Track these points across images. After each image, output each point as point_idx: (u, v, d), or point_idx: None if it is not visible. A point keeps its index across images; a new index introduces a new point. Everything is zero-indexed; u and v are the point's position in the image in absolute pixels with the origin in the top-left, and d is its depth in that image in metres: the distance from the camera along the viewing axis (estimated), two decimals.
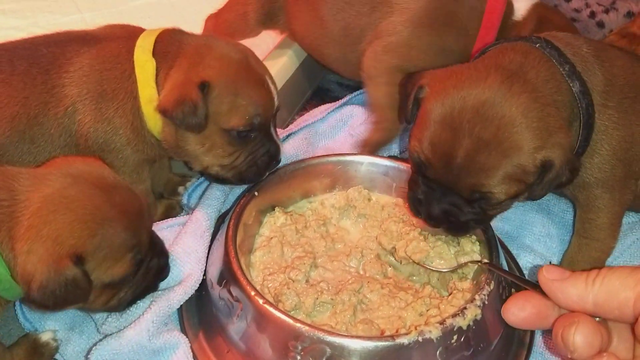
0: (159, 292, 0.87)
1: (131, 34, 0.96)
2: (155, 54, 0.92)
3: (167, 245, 0.95)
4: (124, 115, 0.93)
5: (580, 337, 0.52)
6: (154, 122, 0.93)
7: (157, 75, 0.92)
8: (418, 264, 0.90)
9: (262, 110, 0.92)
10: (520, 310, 0.61)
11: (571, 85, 0.88)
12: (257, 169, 0.96)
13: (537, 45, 0.90)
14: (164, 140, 0.95)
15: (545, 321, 0.61)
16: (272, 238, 0.95)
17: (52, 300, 0.73)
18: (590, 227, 0.98)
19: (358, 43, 1.22)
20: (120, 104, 0.93)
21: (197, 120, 0.89)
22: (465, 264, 0.89)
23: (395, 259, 0.94)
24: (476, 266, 0.89)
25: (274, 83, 0.97)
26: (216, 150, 0.94)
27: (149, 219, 0.83)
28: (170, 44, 0.93)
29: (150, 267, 0.84)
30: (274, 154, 0.97)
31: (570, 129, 0.87)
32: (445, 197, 0.87)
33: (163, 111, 0.89)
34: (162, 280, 0.89)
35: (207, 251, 0.94)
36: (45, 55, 0.94)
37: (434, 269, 0.89)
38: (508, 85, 0.83)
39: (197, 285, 0.90)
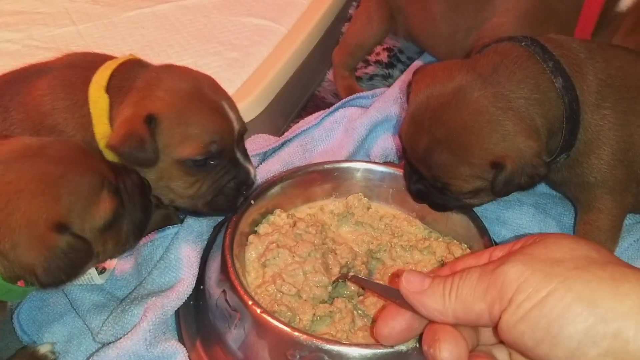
0: (153, 299, 0.87)
1: (91, 64, 0.94)
2: (109, 88, 0.90)
3: (160, 253, 0.96)
4: None
5: (445, 353, 0.53)
6: (112, 158, 0.91)
7: (111, 111, 0.90)
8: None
9: (218, 137, 0.90)
10: (391, 331, 0.60)
11: (554, 80, 0.89)
12: (226, 197, 0.94)
13: (523, 43, 0.92)
14: None
15: (415, 332, 0.60)
16: (267, 241, 0.95)
17: (63, 273, 0.74)
18: (591, 228, 0.98)
19: (465, 42, 1.30)
20: (71, 134, 0.91)
21: (145, 155, 0.86)
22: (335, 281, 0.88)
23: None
24: None
25: (234, 108, 0.94)
26: (176, 183, 0.91)
27: (94, 151, 0.83)
28: (125, 78, 0.91)
29: (130, 190, 0.84)
30: (244, 179, 0.95)
31: (538, 132, 0.88)
32: (419, 180, 0.97)
33: (111, 148, 0.87)
34: (150, 193, 0.88)
35: (199, 257, 0.94)
36: (6, 94, 0.93)
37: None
38: (469, 88, 0.88)
39: (190, 290, 0.90)
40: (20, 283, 0.75)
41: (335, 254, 0.92)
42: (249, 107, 1.26)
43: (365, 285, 0.84)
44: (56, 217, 0.73)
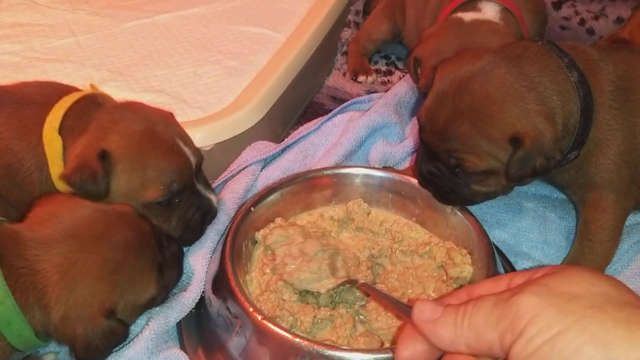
0: (157, 309, 0.88)
1: (47, 98, 0.94)
2: (63, 129, 0.91)
3: None
4: (31, 185, 0.93)
5: None
6: (64, 189, 0.91)
7: (65, 151, 0.91)
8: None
9: (177, 176, 0.91)
10: (413, 353, 0.58)
11: (570, 75, 0.92)
12: (193, 230, 0.97)
13: (539, 43, 0.95)
14: None
15: (439, 353, 0.58)
16: (266, 251, 0.95)
17: (100, 353, 0.79)
18: (594, 228, 0.99)
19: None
20: (27, 173, 0.92)
21: (96, 188, 0.87)
22: (340, 284, 0.87)
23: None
24: (470, 275, 0.90)
25: (188, 142, 0.95)
26: None
27: (147, 225, 0.85)
28: (78, 118, 0.92)
29: (170, 262, 0.88)
30: (207, 209, 0.97)
31: (555, 120, 0.90)
32: (432, 160, 0.96)
33: (63, 178, 0.88)
34: (183, 259, 0.93)
35: (206, 271, 0.94)
36: None
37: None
38: (496, 65, 0.91)
39: (194, 303, 0.90)
40: None
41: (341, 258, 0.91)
42: (248, 114, 1.26)
43: (376, 295, 0.82)
44: (109, 303, 0.78)
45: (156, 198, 0.91)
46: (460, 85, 0.91)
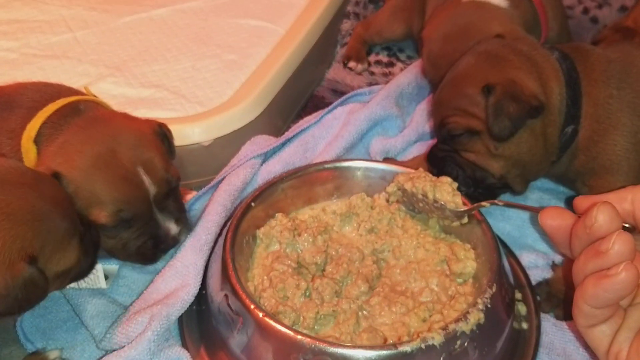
0: (158, 307, 0.87)
1: (34, 103, 0.94)
2: (40, 136, 0.91)
3: (168, 260, 0.96)
4: None
5: (602, 215, 0.57)
6: None
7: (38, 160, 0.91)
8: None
9: (126, 206, 0.88)
10: (558, 216, 0.64)
11: (551, 54, 1.00)
12: (142, 255, 0.94)
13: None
14: None
15: (567, 232, 0.64)
16: (269, 247, 0.95)
17: (17, 305, 0.74)
18: None
19: None
20: None
21: None
22: (479, 205, 0.90)
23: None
24: (474, 270, 0.89)
25: (152, 171, 0.90)
26: None
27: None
28: (54, 127, 0.91)
29: (87, 244, 0.85)
30: (162, 239, 0.94)
31: (539, 78, 0.97)
32: (436, 145, 1.08)
33: None
34: (98, 252, 0.89)
35: (205, 264, 0.94)
36: None
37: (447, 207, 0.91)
38: (488, 42, 1.03)
39: (193, 297, 0.90)
40: None
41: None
42: (247, 108, 1.25)
43: (515, 206, 0.87)
44: (30, 250, 0.73)
45: (100, 222, 0.88)
46: (456, 64, 1.03)
